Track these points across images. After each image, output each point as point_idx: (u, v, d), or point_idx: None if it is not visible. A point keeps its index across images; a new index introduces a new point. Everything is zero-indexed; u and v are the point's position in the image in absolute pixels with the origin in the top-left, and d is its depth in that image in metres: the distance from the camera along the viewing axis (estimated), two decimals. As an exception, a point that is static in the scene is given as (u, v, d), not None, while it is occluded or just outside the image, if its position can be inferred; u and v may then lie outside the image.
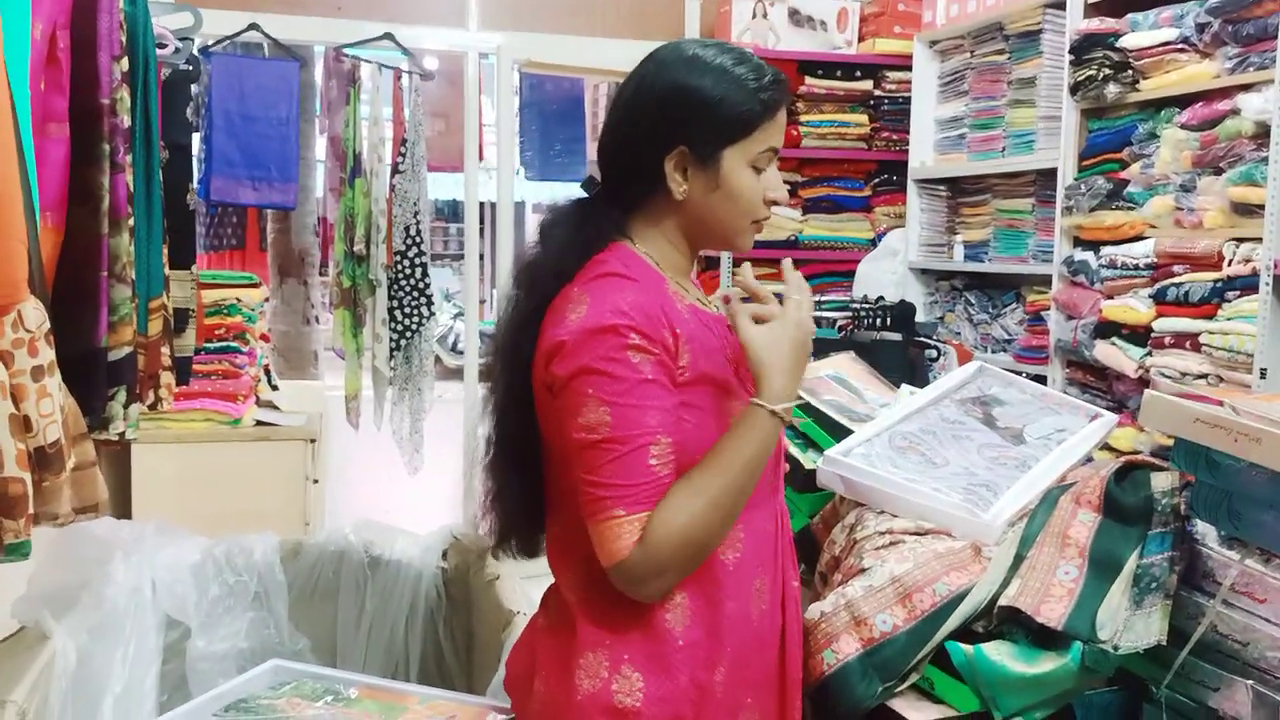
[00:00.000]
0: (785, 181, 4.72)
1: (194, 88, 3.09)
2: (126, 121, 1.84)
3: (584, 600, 1.31)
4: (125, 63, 1.87)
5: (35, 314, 1.36)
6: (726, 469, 1.25)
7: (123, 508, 3.28)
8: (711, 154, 1.31)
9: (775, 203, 1.37)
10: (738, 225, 1.36)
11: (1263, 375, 2.63)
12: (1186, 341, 2.91)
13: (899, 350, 3.54)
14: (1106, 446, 2.57)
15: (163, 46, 2.47)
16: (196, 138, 3.77)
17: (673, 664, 1.29)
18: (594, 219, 1.36)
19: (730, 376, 1.34)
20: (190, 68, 2.77)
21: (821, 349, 2.55)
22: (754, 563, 1.34)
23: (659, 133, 1.31)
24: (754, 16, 4.36)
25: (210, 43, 3.94)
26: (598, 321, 1.23)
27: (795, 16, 4.42)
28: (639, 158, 1.33)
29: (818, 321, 3.68)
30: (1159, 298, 3.01)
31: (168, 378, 2.21)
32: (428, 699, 1.74)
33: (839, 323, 3.75)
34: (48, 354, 1.37)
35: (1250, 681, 1.22)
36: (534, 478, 1.37)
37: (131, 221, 1.86)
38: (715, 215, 1.34)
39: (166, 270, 2.22)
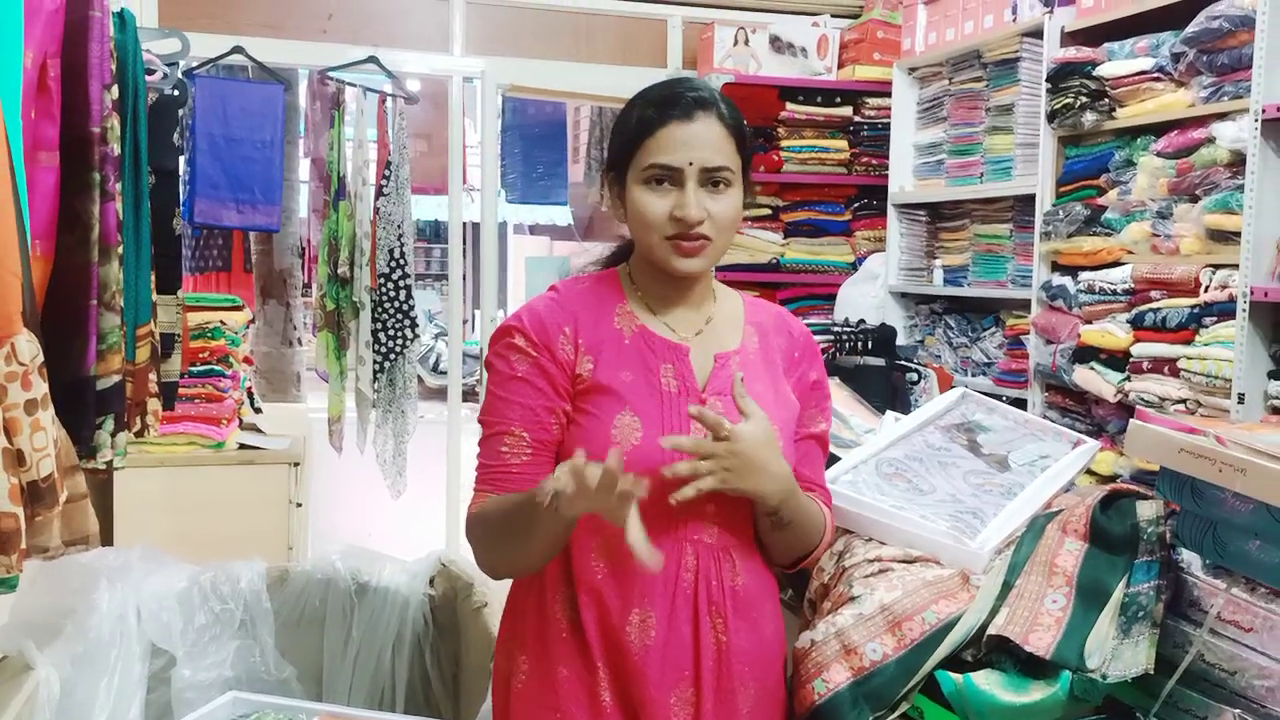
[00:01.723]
0: (766, 205, 4.74)
1: (180, 112, 3.09)
2: (116, 149, 1.85)
3: (510, 591, 1.48)
4: (115, 90, 1.87)
5: (29, 347, 1.36)
6: (511, 502, 1.34)
7: (105, 532, 3.25)
8: (621, 175, 1.43)
9: (681, 221, 1.37)
10: (648, 240, 1.41)
11: (1240, 400, 2.66)
12: (1165, 366, 2.94)
13: (881, 374, 3.57)
14: (1088, 471, 2.60)
15: (151, 73, 2.47)
16: (181, 160, 3.77)
17: (554, 654, 1.39)
18: (616, 249, 1.54)
19: (654, 396, 1.39)
20: (177, 93, 2.77)
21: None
22: (631, 590, 1.37)
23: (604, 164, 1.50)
24: (735, 43, 4.40)
25: (194, 65, 3.94)
26: (501, 324, 1.44)
27: (776, 43, 4.47)
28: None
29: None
30: (1137, 323, 3.05)
31: (154, 404, 2.20)
32: (393, 726, 1.73)
33: (821, 346, 3.77)
34: (41, 387, 1.36)
35: (1238, 710, 1.24)
36: None
37: (121, 249, 1.86)
38: (634, 233, 1.44)
39: (154, 296, 2.21)
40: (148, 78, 2.29)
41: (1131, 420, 1.43)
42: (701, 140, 1.38)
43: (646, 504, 1.33)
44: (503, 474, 1.38)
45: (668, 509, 1.36)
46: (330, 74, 4.19)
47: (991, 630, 1.40)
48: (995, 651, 1.41)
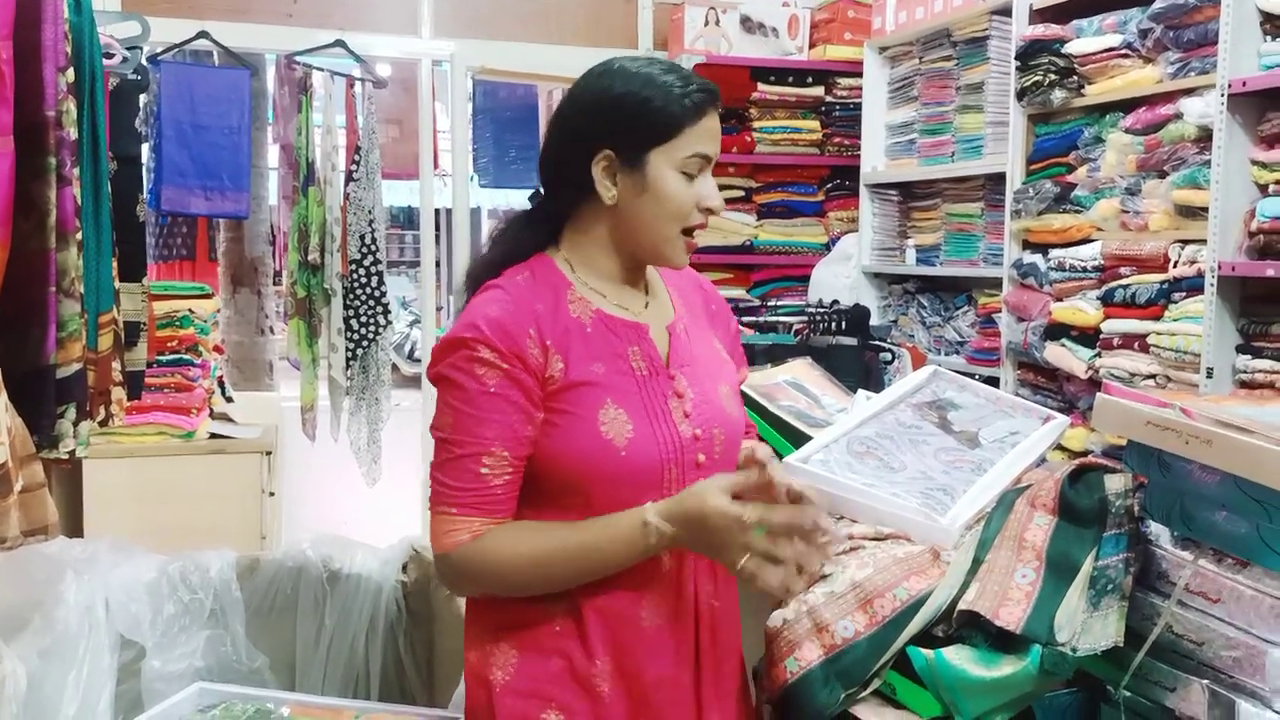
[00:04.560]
0: (739, 187, 4.75)
1: (143, 97, 3.04)
2: (73, 134, 1.81)
3: None
4: (70, 74, 1.83)
5: (-19, 334, 1.33)
6: (576, 533, 1.30)
7: (74, 524, 3.22)
8: (638, 156, 1.34)
9: (711, 211, 1.37)
10: (666, 232, 1.36)
11: (1209, 375, 2.68)
12: (1134, 342, 2.96)
13: (854, 354, 3.57)
14: (1059, 447, 2.61)
15: (110, 56, 2.43)
16: (146, 147, 3.72)
17: (545, 646, 1.35)
18: (529, 229, 1.42)
19: (629, 381, 1.36)
20: (139, 77, 2.73)
21: (778, 355, 2.57)
22: (635, 571, 1.34)
23: (586, 138, 1.36)
24: (706, 24, 4.38)
25: (159, 51, 3.88)
26: (455, 334, 1.32)
27: (747, 23, 4.45)
28: (569, 165, 1.38)
29: (774, 327, 3.74)
30: (1107, 299, 3.06)
31: (119, 393, 2.17)
32: (364, 712, 1.72)
33: (794, 327, 3.77)
34: (-6, 374, 1.34)
35: (1205, 681, 1.24)
36: None
37: (79, 235, 1.82)
38: (644, 220, 1.36)
39: (117, 283, 2.18)
40: (106, 61, 2.25)
41: (1099, 394, 1.43)
42: (719, 131, 1.39)
43: (635, 487, 1.32)
44: (486, 497, 1.30)
45: (659, 496, 1.32)
46: (297, 58, 4.14)
47: (962, 606, 1.41)
48: (966, 627, 1.41)
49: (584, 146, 1.36)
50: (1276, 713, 1.18)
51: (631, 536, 1.28)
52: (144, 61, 2.91)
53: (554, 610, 1.35)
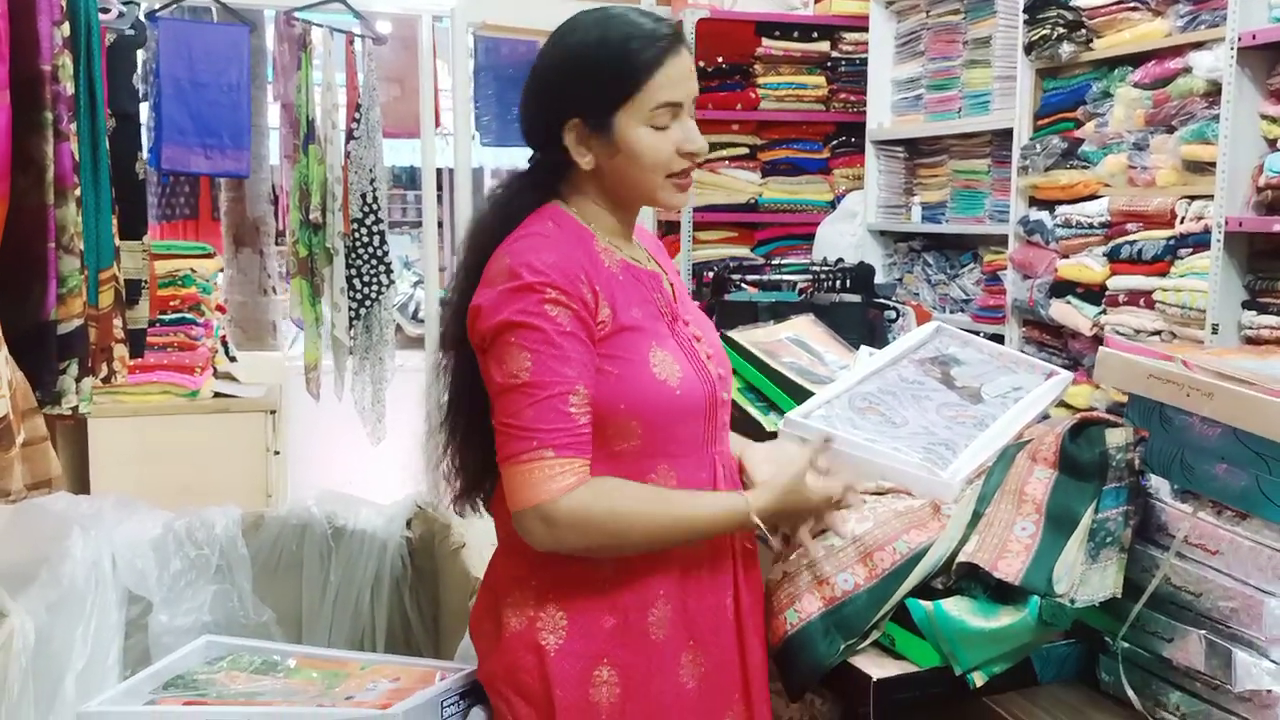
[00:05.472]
0: (743, 144, 4.68)
1: (140, 54, 3.02)
2: (69, 88, 1.80)
3: (515, 540, 1.34)
4: (66, 27, 1.82)
5: (-20, 288, 1.33)
6: (681, 507, 1.34)
7: (81, 482, 3.24)
8: (603, 120, 1.33)
9: (692, 155, 1.37)
10: (651, 183, 1.37)
11: (1215, 330, 2.67)
12: (1140, 299, 2.95)
13: (858, 312, 3.55)
14: (1062, 404, 2.60)
15: (105, 11, 2.40)
16: (145, 106, 3.69)
17: (595, 605, 1.35)
18: (532, 184, 1.41)
19: (662, 326, 1.39)
20: (135, 33, 2.70)
21: (781, 312, 2.56)
22: None
23: (553, 108, 1.36)
24: (711, -23, 4.33)
25: (157, 8, 3.84)
26: (515, 281, 1.28)
27: (752, -23, 4.40)
28: (544, 133, 1.38)
29: (778, 285, 3.72)
30: (1113, 256, 3.04)
31: (120, 350, 2.18)
32: (370, 664, 1.73)
33: (799, 285, 3.75)
34: (-6, 329, 1.34)
35: (1203, 631, 1.25)
36: (486, 430, 1.38)
37: (78, 191, 1.81)
38: (625, 179, 1.37)
39: (117, 241, 2.17)
40: (102, 16, 2.22)
41: (1101, 348, 1.42)
42: (690, 70, 1.36)
43: (686, 424, 1.37)
44: (579, 437, 1.29)
45: (703, 431, 1.38)
46: (296, 14, 4.10)
47: (962, 558, 1.41)
48: (965, 579, 1.42)
49: (553, 115, 1.35)
50: (1273, 662, 1.19)
51: (732, 523, 1.37)
52: (141, 17, 2.89)
53: (603, 564, 1.35)
